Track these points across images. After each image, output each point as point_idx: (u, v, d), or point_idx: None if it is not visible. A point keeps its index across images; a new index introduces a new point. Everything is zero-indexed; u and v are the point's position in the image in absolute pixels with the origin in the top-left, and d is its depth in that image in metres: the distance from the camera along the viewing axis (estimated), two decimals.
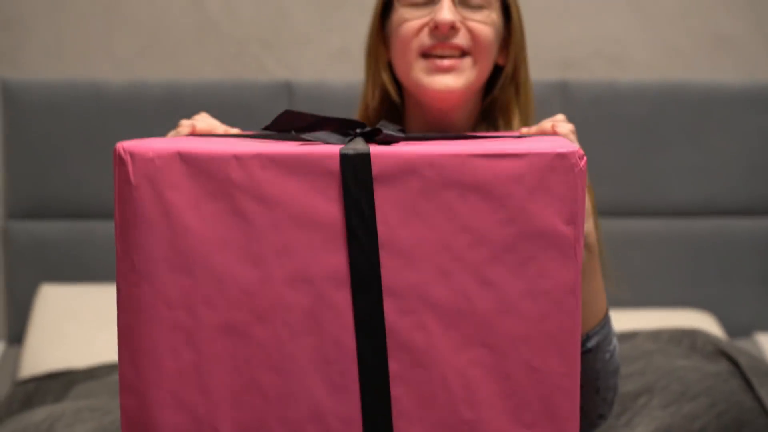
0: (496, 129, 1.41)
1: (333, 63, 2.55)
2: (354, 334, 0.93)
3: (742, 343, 2.43)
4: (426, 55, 1.31)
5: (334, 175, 0.90)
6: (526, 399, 0.93)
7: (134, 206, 0.94)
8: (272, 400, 0.94)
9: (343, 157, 0.90)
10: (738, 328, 2.54)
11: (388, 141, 0.98)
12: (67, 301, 2.36)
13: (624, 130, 2.52)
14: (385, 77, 1.39)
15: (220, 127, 1.19)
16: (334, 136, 0.99)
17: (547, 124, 1.14)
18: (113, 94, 2.47)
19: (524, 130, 1.16)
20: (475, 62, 1.31)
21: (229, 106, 2.47)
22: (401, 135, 1.03)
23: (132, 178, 0.93)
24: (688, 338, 2.15)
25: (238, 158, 0.91)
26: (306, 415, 0.94)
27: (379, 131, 0.99)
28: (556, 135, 1.11)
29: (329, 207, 0.91)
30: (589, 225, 1.16)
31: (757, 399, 1.86)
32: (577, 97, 2.52)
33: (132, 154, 0.92)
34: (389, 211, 0.91)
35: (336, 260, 0.92)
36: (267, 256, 0.92)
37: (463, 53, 1.31)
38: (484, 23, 1.31)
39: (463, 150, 0.90)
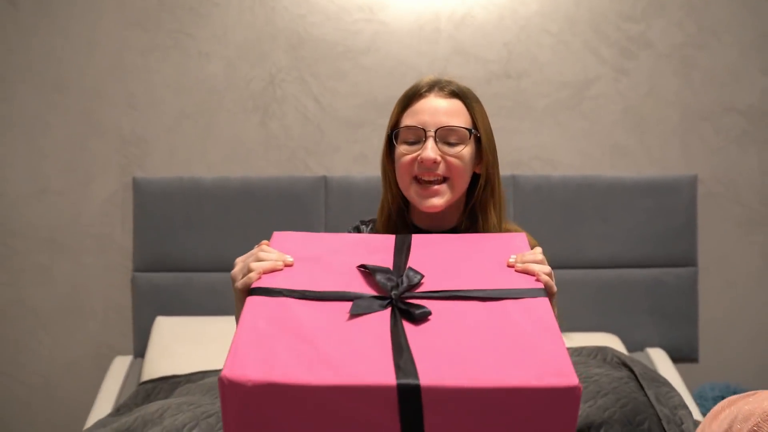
0: (477, 224, 1.34)
1: (355, 164, 2.56)
2: None
3: (638, 356, 2.45)
4: (417, 179, 1.29)
5: (393, 401, 0.84)
6: None
7: (237, 420, 0.86)
8: None
9: (400, 389, 0.84)
10: (635, 345, 2.54)
11: (418, 318, 0.94)
12: (174, 328, 2.37)
13: (556, 209, 2.52)
14: (395, 190, 1.36)
15: (278, 258, 1.08)
16: (376, 303, 0.96)
17: (531, 266, 1.06)
18: (206, 186, 2.48)
19: (511, 260, 1.07)
20: (452, 186, 1.29)
21: (284, 193, 2.48)
22: (426, 311, 0.95)
23: (235, 402, 0.86)
24: (601, 353, 2.10)
25: (316, 389, 0.84)
26: None
27: (410, 304, 0.96)
28: (537, 280, 1.04)
29: (389, 420, 0.85)
30: (552, 279, 1.09)
31: (647, 396, 1.85)
32: (523, 186, 2.52)
33: (232, 384, 0.85)
34: (435, 421, 0.85)
35: None
36: None
37: (444, 179, 1.29)
38: (458, 158, 1.28)
39: (488, 379, 0.84)
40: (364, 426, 0.85)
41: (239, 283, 1.07)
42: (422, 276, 1.02)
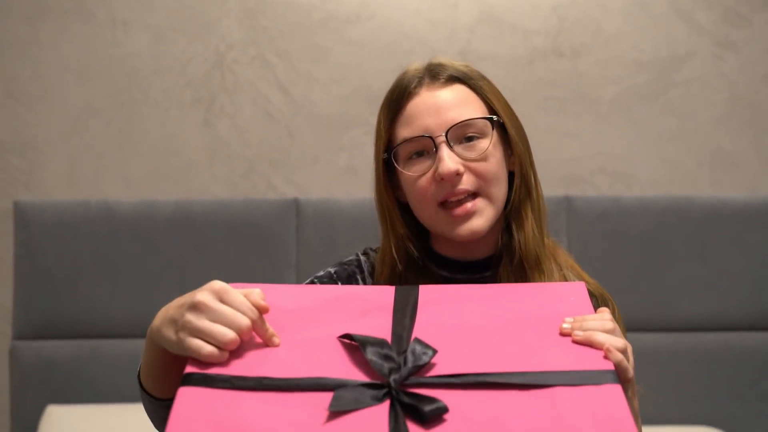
0: (511, 235, 1.38)
1: (341, 181, 2.55)
2: None
3: None
4: (443, 204, 1.32)
5: None
6: None
7: None
8: None
9: None
10: None
11: (426, 417, 0.93)
12: (74, 422, 2.30)
13: (629, 245, 2.49)
14: (401, 231, 1.39)
15: (238, 298, 1.05)
16: (367, 396, 0.95)
17: (597, 337, 1.04)
18: (124, 213, 2.43)
19: (566, 326, 1.07)
20: (488, 197, 1.32)
21: (237, 223, 2.45)
22: (435, 408, 0.95)
23: None
24: None
25: None
26: None
27: (417, 396, 0.95)
28: (606, 357, 1.02)
29: None
30: (630, 356, 1.09)
31: None
32: (581, 212, 2.49)
33: None
34: None
35: None
36: None
37: (474, 194, 1.32)
38: (483, 160, 1.31)
39: None
40: None
41: (179, 346, 1.02)
42: (434, 352, 0.99)
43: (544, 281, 1.36)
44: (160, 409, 1.16)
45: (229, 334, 0.99)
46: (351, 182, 2.54)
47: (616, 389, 0.95)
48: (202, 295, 1.01)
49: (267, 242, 2.46)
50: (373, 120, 2.49)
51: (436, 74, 1.35)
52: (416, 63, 1.38)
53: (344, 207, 2.47)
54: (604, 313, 1.08)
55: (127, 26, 2.51)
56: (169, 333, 1.03)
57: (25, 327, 2.43)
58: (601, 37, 2.56)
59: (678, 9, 2.57)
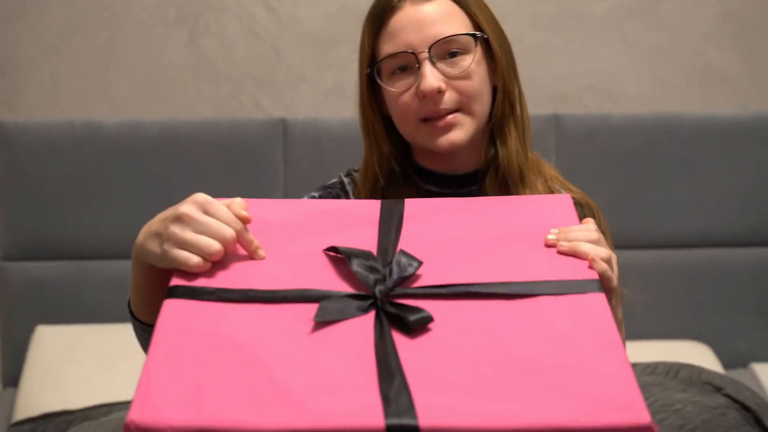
0: (495, 150, 1.41)
1: (328, 100, 2.54)
2: None
3: (738, 374, 2.41)
4: (424, 119, 1.33)
5: None
6: None
7: None
8: None
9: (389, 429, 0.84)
10: (735, 359, 2.52)
11: (412, 326, 0.94)
12: (64, 341, 2.33)
13: (618, 163, 2.51)
14: (384, 148, 1.41)
15: (221, 210, 1.06)
16: (352, 306, 0.96)
17: (581, 247, 1.05)
18: (109, 134, 2.44)
19: (551, 237, 1.07)
20: (469, 113, 1.34)
21: (224, 144, 2.46)
22: (421, 317, 0.95)
23: None
24: (685, 371, 2.11)
25: None
26: None
27: (402, 306, 0.96)
28: (590, 267, 1.03)
29: None
30: (614, 266, 1.10)
31: (758, 429, 1.88)
32: (570, 130, 2.50)
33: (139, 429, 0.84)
34: None
35: None
36: None
37: (458, 108, 1.33)
38: (466, 77, 1.33)
39: (513, 422, 0.84)
40: None
41: (163, 259, 1.02)
42: (419, 263, 1.00)
43: (528, 194, 1.38)
44: (148, 335, 1.16)
45: (214, 245, 0.99)
46: (338, 101, 2.53)
47: (600, 298, 0.96)
48: (186, 207, 1.01)
49: (254, 162, 2.47)
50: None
51: None
52: None
53: (332, 126, 2.47)
54: (589, 223, 1.09)
55: None
56: (154, 246, 1.04)
57: (13, 248, 2.45)
58: None
59: None
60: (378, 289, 0.96)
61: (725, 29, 2.56)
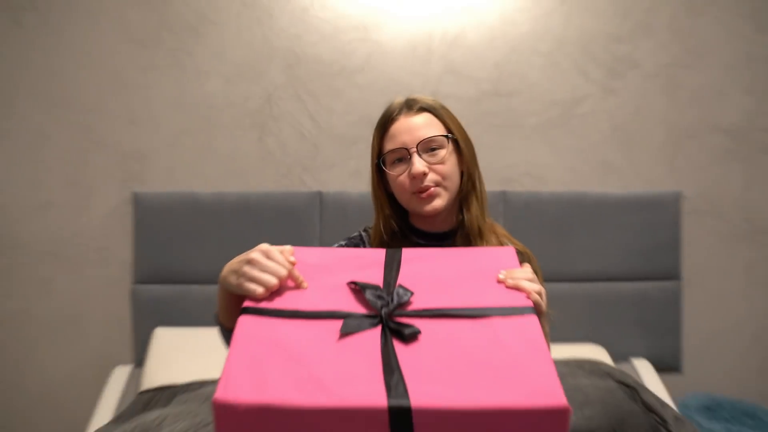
0: (463, 215, 1.38)
1: (350, 179, 2.56)
2: None
3: (623, 366, 2.45)
4: (415, 192, 1.35)
5: (384, 424, 0.83)
6: None
7: None
8: None
9: (391, 412, 0.83)
10: (621, 355, 2.54)
11: (408, 337, 0.93)
12: (173, 338, 2.36)
13: (546, 224, 2.52)
14: (388, 212, 1.40)
15: (278, 256, 1.04)
16: (365, 322, 0.95)
17: (522, 284, 1.04)
18: (204, 201, 2.47)
19: (501, 276, 1.06)
20: (445, 187, 1.35)
21: (280, 208, 2.47)
22: (415, 330, 0.94)
23: (228, 425, 0.84)
24: (589, 364, 2.12)
25: (310, 411, 0.83)
26: None
27: (400, 324, 0.95)
28: (528, 297, 1.02)
29: None
30: (544, 296, 1.09)
31: (635, 403, 1.83)
32: (514, 202, 2.53)
33: (225, 408, 0.84)
34: None
35: None
36: None
37: (437, 184, 1.34)
38: (442, 163, 1.34)
39: (479, 398, 0.84)
40: None
41: (238, 288, 1.03)
42: (411, 293, 1.00)
43: (487, 245, 1.37)
44: (230, 337, 1.16)
45: (272, 281, 1.00)
46: (358, 181, 2.54)
47: (534, 319, 0.96)
48: (254, 253, 1.02)
49: (300, 222, 2.46)
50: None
51: (411, 106, 1.36)
52: (398, 98, 1.40)
53: (353, 198, 2.48)
54: (527, 267, 1.08)
55: (208, 74, 2.51)
56: (233, 280, 1.04)
57: (140, 275, 2.47)
58: (527, 83, 2.56)
59: (578, 66, 2.57)
60: (383, 311, 0.97)
61: (614, 137, 2.58)
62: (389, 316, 0.96)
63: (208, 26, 2.53)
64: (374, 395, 0.84)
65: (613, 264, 2.55)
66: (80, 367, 2.55)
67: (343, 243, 1.44)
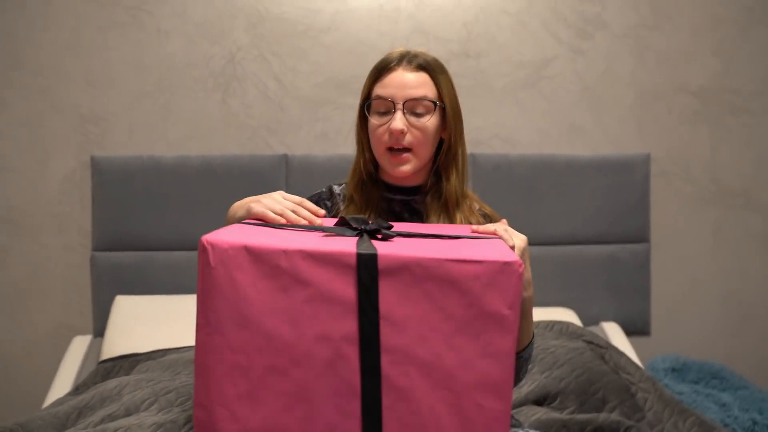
0: (440, 184, 1.41)
1: (317, 143, 2.54)
2: (360, 377, 0.94)
3: (593, 329, 2.48)
4: (389, 149, 1.36)
5: (352, 268, 0.92)
6: (475, 427, 0.94)
7: (211, 281, 0.93)
8: (301, 420, 0.94)
9: (359, 256, 0.92)
10: (590, 319, 2.57)
11: (385, 238, 1.02)
12: (134, 307, 2.34)
13: (515, 187, 2.53)
14: (367, 155, 1.43)
15: (290, 200, 1.17)
16: (349, 231, 1.03)
17: (492, 227, 1.16)
18: (166, 164, 2.45)
19: (473, 227, 1.18)
20: (416, 154, 1.36)
21: (245, 172, 2.46)
22: (393, 233, 1.04)
23: (211, 261, 0.92)
24: (558, 326, 2.14)
25: (286, 252, 0.92)
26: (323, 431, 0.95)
27: (378, 230, 1.03)
28: (499, 238, 1.12)
29: (347, 289, 0.92)
30: (528, 276, 1.18)
31: (604, 364, 1.85)
32: (483, 165, 2.53)
33: (212, 245, 0.92)
34: (388, 294, 0.93)
35: (349, 326, 0.93)
36: (302, 321, 0.92)
37: (410, 148, 1.35)
38: (423, 128, 1.35)
39: (440, 254, 0.93)
40: (326, 298, 0.91)
41: (255, 215, 1.14)
42: (391, 225, 1.07)
43: (462, 215, 1.40)
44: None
45: (291, 215, 1.12)
46: (324, 143, 2.53)
47: (499, 240, 1.07)
48: (272, 194, 1.18)
49: (265, 186, 2.43)
50: (341, 101, 2.62)
51: (411, 60, 1.35)
52: (400, 48, 1.39)
53: (320, 161, 2.47)
54: (503, 222, 1.18)
55: (168, 34, 2.46)
56: (256, 207, 1.14)
57: (100, 242, 2.43)
58: (496, 44, 2.55)
59: (547, 27, 2.56)
60: (364, 226, 1.06)
61: (583, 99, 2.58)
62: (368, 231, 1.05)
63: None
64: (346, 247, 0.94)
65: (582, 227, 2.56)
66: (38, 337, 2.50)
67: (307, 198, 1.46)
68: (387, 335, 0.92)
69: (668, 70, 2.61)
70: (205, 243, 0.92)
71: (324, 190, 1.49)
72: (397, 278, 0.92)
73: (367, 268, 0.91)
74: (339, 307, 0.92)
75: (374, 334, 0.92)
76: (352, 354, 0.92)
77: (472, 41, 2.56)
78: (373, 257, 0.91)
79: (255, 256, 0.92)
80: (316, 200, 1.47)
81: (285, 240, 0.96)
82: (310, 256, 0.92)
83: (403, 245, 0.98)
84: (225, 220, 1.18)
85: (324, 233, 1.04)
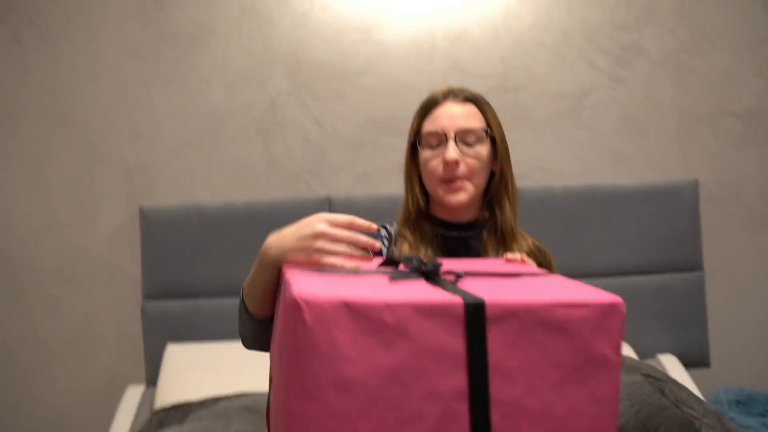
0: (494, 216, 1.42)
1: (358, 183, 2.55)
2: None
3: (649, 362, 2.34)
4: (443, 180, 1.37)
5: (460, 318, 0.85)
6: None
7: (308, 342, 0.83)
8: None
9: (466, 306, 0.86)
10: (645, 352, 2.51)
11: (453, 278, 0.97)
12: (185, 354, 2.35)
13: (559, 219, 2.51)
14: (417, 191, 1.43)
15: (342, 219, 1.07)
16: (411, 274, 0.97)
17: (517, 255, 1.19)
18: (211, 212, 2.46)
19: (509, 255, 1.19)
20: (472, 183, 1.37)
21: (288, 215, 2.13)
22: (461, 273, 0.99)
23: (307, 319, 0.82)
24: None
25: (390, 306, 0.84)
26: None
27: (436, 271, 0.97)
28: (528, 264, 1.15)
29: (455, 341, 0.86)
30: None
31: (664, 397, 1.77)
32: (526, 198, 2.39)
33: (307, 302, 0.83)
34: (496, 344, 0.87)
35: (459, 381, 0.86)
36: (408, 379, 0.85)
37: (465, 177, 1.36)
38: (476, 158, 1.36)
39: (546, 299, 0.88)
40: (433, 352, 0.85)
41: (313, 263, 1.01)
42: (440, 264, 1.02)
43: (519, 246, 1.40)
44: (252, 326, 1.15)
45: (352, 251, 1.03)
46: (366, 184, 2.54)
47: (559, 276, 1.05)
48: (319, 225, 1.02)
49: None
50: (380, 141, 2.62)
51: (457, 94, 1.39)
52: (442, 86, 1.42)
53: (362, 202, 2.47)
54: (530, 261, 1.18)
55: (210, 84, 2.51)
56: (300, 257, 1.02)
57: (150, 291, 2.44)
58: (534, 77, 2.55)
59: (584, 57, 2.56)
60: (423, 268, 0.99)
61: (624, 126, 2.57)
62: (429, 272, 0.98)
63: (208, 35, 2.53)
64: (447, 297, 0.86)
65: (630, 257, 2.51)
66: (92, 387, 2.52)
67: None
68: (497, 388, 0.87)
69: (711, 93, 2.59)
70: (299, 300, 0.82)
71: (374, 233, 1.46)
72: (505, 326, 0.87)
73: (475, 318, 0.86)
74: (447, 362, 0.86)
75: (484, 388, 0.87)
76: (462, 410, 0.86)
77: (510, 75, 2.57)
78: (480, 306, 0.86)
79: (356, 311, 0.84)
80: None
81: (378, 291, 0.88)
82: (416, 309, 0.84)
83: (493, 289, 0.93)
84: (260, 260, 1.08)
85: (390, 277, 0.97)
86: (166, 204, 2.50)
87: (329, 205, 2.49)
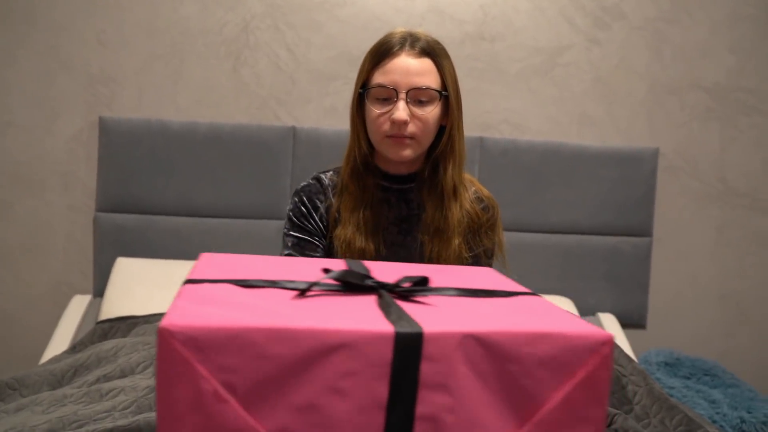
0: (437, 172, 1.38)
1: (326, 117, 2.52)
2: None
3: (589, 319, 2.44)
4: (388, 136, 1.34)
5: (386, 356, 0.66)
6: None
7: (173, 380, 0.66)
8: None
9: (398, 337, 0.67)
10: (587, 309, 2.56)
11: (405, 295, 0.80)
12: (135, 269, 2.34)
13: (521, 173, 2.52)
14: (363, 142, 1.39)
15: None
16: (359, 286, 0.81)
17: None
18: (174, 129, 2.43)
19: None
20: (418, 141, 1.35)
21: (252, 141, 2.44)
22: (418, 289, 0.82)
23: (170, 355, 0.65)
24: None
25: (293, 332, 0.65)
26: None
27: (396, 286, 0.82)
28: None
29: (377, 381, 0.67)
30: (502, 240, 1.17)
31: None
32: (490, 149, 2.51)
33: (173, 332, 0.64)
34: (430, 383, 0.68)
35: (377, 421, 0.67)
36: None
37: (412, 136, 1.33)
38: (426, 118, 1.32)
39: (512, 328, 0.69)
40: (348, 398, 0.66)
41: None
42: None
43: (458, 205, 1.38)
44: None
45: None
46: (333, 118, 2.51)
47: (541, 298, 0.86)
48: None
49: (272, 156, 2.43)
50: (352, 75, 2.61)
51: (413, 44, 1.32)
52: (400, 28, 1.35)
53: (328, 135, 2.45)
54: None
55: None
56: None
57: (104, 204, 2.43)
58: (512, 29, 2.52)
59: (564, 14, 2.54)
60: (377, 284, 0.83)
61: (596, 89, 2.56)
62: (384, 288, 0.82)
63: None
64: (377, 324, 0.66)
65: (586, 217, 2.55)
66: (38, 294, 2.50)
67: (296, 200, 1.41)
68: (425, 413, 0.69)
69: (683, 64, 2.59)
70: (165, 332, 0.64)
71: (312, 181, 1.44)
72: (447, 365, 0.68)
73: (406, 354, 0.67)
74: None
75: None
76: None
77: (488, 24, 2.54)
78: (416, 338, 0.66)
79: (243, 342, 0.64)
80: (308, 195, 1.42)
81: (284, 313, 0.69)
82: (332, 339, 0.65)
83: (445, 312, 0.74)
84: None
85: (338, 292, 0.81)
86: (128, 116, 2.45)
87: (294, 134, 2.47)
